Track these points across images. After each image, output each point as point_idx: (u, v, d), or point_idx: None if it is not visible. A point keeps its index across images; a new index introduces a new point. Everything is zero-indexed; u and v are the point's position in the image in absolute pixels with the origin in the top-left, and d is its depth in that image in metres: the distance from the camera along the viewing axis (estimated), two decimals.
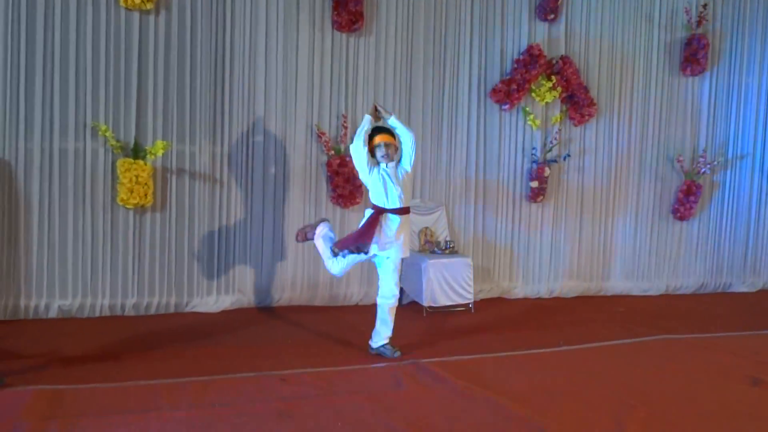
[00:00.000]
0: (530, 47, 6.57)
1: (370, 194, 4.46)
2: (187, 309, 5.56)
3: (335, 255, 4.47)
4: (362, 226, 4.39)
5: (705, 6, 7.23)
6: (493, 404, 3.39)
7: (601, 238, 7.16)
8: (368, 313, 5.80)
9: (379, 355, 4.41)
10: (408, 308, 6.04)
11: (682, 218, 7.40)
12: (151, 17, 5.29)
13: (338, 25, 5.83)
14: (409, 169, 4.44)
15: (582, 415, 3.28)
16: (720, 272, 7.72)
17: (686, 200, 7.35)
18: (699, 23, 7.23)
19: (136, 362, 4.09)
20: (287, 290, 5.88)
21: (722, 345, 4.90)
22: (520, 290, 6.78)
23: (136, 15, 5.24)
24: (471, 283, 5.94)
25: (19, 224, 5.09)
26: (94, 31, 5.16)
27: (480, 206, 6.60)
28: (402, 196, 4.35)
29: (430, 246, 6.16)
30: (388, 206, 4.35)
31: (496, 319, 5.77)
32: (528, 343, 4.81)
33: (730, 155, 7.68)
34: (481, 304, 6.21)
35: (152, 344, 4.54)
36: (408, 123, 6.17)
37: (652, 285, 7.34)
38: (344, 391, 3.56)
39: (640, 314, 6.22)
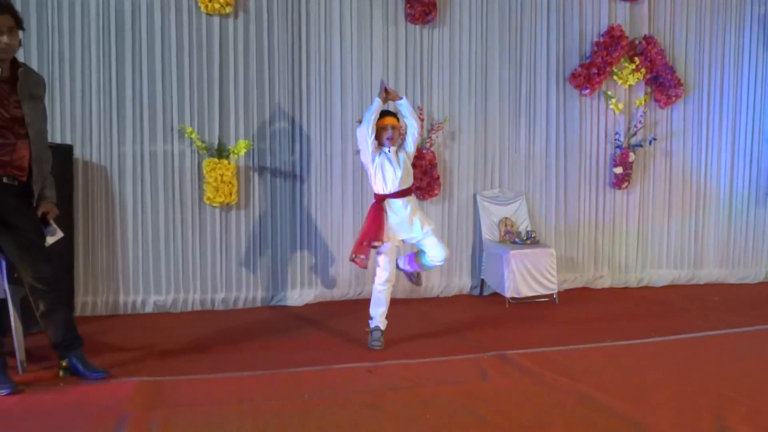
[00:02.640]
0: (611, 28, 6.33)
1: (371, 182, 4.42)
2: (273, 303, 5.72)
3: (364, 266, 4.41)
4: (366, 222, 4.38)
5: None
6: (583, 396, 3.30)
7: (692, 224, 6.83)
8: (450, 304, 5.83)
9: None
10: (490, 299, 6.00)
11: None
12: (231, 20, 5.45)
13: (412, 18, 5.82)
14: (412, 151, 4.45)
15: (679, 408, 3.14)
16: None
17: None
18: None
19: (228, 355, 4.24)
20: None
21: None
22: (606, 280, 6.57)
23: (216, 19, 5.42)
24: (554, 273, 5.80)
25: (116, 225, 5.38)
26: (178, 37, 5.37)
27: (561, 194, 6.43)
28: (403, 177, 4.32)
29: (510, 236, 6.06)
30: (388, 191, 4.32)
31: (583, 310, 5.61)
32: (617, 334, 4.64)
33: None
34: (566, 295, 6.07)
35: (241, 337, 4.69)
36: (485, 112, 6.15)
37: (750, 272, 6.95)
38: (431, 383, 3.55)
39: (736, 303, 5.89)
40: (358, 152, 4.57)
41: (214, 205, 5.44)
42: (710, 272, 6.86)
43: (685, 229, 6.80)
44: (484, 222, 6.14)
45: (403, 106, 4.43)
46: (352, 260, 4.38)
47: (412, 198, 4.44)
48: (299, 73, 5.67)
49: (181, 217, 5.49)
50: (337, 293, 5.90)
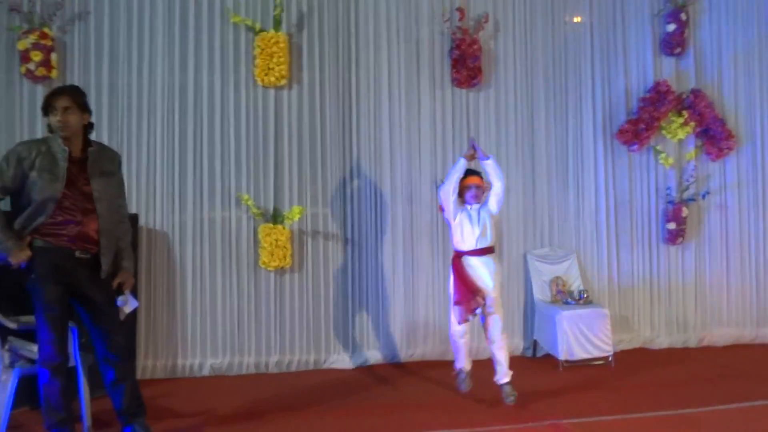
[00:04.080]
0: (657, 84, 6.34)
1: (452, 238, 4.57)
2: (325, 366, 5.77)
3: (464, 321, 4.48)
4: (454, 280, 4.48)
5: None
6: None
7: (753, 279, 6.62)
8: None
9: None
10: (543, 361, 5.91)
11: None
12: (285, 92, 5.71)
13: (458, 82, 5.97)
14: (495, 211, 4.52)
15: None
16: None
17: None
18: None
19: (285, 421, 4.31)
20: (419, 345, 5.94)
21: None
22: (663, 339, 6.39)
23: (272, 92, 5.68)
24: (609, 334, 5.68)
25: (176, 289, 5.58)
26: (236, 109, 5.65)
27: (614, 252, 6.36)
28: (481, 236, 4.41)
29: (562, 296, 6.00)
30: (465, 248, 4.44)
31: (640, 373, 5.47)
32: (677, 400, 4.51)
33: None
34: (622, 356, 5.91)
35: (295, 402, 4.75)
36: (532, 170, 6.19)
37: None
38: None
39: None
40: (441, 210, 4.72)
41: (269, 269, 5.59)
42: None
43: (745, 285, 6.59)
44: (535, 281, 6.11)
45: (489, 166, 4.56)
46: (465, 320, 4.48)
47: (491, 258, 4.54)
48: (350, 139, 5.86)
49: (237, 281, 5.65)
50: (388, 355, 5.91)
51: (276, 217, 5.63)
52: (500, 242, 6.09)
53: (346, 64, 5.86)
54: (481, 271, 4.46)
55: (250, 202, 5.57)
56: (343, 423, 4.21)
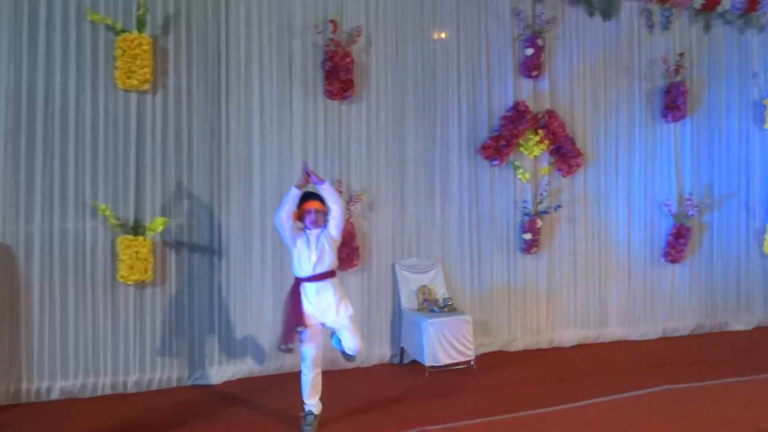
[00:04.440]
0: (517, 104, 6.77)
1: (292, 264, 4.47)
2: (190, 382, 5.54)
3: (289, 350, 4.38)
4: (286, 305, 4.44)
5: (681, 55, 7.53)
6: None
7: (596, 285, 7.26)
8: (371, 375, 5.85)
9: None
10: (410, 368, 6.08)
11: (674, 261, 7.53)
12: (148, 97, 5.42)
13: (330, 94, 5.99)
14: (336, 236, 4.44)
15: None
16: (715, 312, 7.84)
17: (676, 243, 7.49)
18: (677, 71, 7.50)
19: None
20: (289, 357, 5.84)
21: (724, 393, 4.95)
22: (519, 342, 6.82)
23: (133, 96, 5.36)
24: (471, 339, 5.98)
25: (20, 307, 5.10)
26: (93, 113, 5.27)
27: (476, 261, 6.69)
28: (318, 261, 4.33)
29: (428, 304, 6.21)
30: (302, 274, 4.36)
31: (499, 375, 5.80)
32: (533, 401, 4.83)
33: (716, 196, 7.87)
34: (483, 359, 6.24)
35: (158, 423, 4.52)
36: (401, 183, 6.36)
37: (649, 329, 7.43)
38: None
39: (640, 361, 6.28)
40: (281, 237, 4.59)
41: (128, 283, 5.27)
42: (614, 331, 7.27)
43: (590, 291, 7.21)
44: (402, 290, 6.27)
45: (325, 191, 4.44)
46: (281, 349, 4.36)
47: (330, 282, 4.42)
48: (218, 148, 5.68)
49: (92, 296, 5.27)
50: (257, 368, 5.80)
51: (137, 229, 5.32)
52: (369, 252, 6.21)
53: (215, 71, 5.66)
54: (319, 298, 4.36)
55: (107, 213, 5.22)
56: None
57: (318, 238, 4.40)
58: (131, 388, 5.34)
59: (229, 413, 4.77)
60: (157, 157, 5.46)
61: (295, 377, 5.34)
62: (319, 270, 4.36)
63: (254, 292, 5.79)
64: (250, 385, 5.52)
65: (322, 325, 4.44)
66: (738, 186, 8.02)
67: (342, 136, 6.13)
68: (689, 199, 7.56)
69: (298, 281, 4.40)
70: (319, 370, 4.45)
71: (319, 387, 4.45)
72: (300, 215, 4.46)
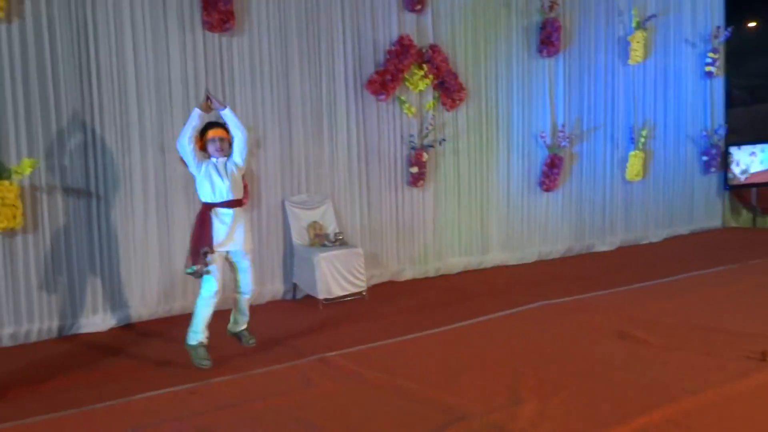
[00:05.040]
0: (401, 38, 6.80)
1: (198, 191, 4.40)
2: (72, 331, 5.30)
3: (200, 275, 4.28)
4: (194, 229, 4.35)
5: None
6: (401, 389, 3.60)
7: (479, 214, 7.64)
8: (266, 312, 5.87)
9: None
10: (304, 302, 6.17)
11: (548, 189, 8.05)
12: (3, 26, 4.90)
13: (209, 26, 5.71)
14: (241, 163, 4.41)
15: (481, 387, 3.58)
16: (583, 235, 8.51)
17: (550, 172, 7.99)
18: (551, 8, 7.83)
19: (29, 397, 3.89)
20: (178, 299, 5.76)
21: (591, 305, 5.45)
22: (408, 272, 7.09)
23: None
24: (363, 271, 6.14)
25: None
26: None
27: (365, 195, 6.80)
28: (231, 188, 4.32)
29: (319, 239, 6.27)
30: (216, 200, 4.33)
31: (390, 303, 6.02)
32: (422, 324, 5.07)
33: (584, 128, 8.43)
34: (374, 290, 6.45)
35: (41, 375, 4.30)
36: (288, 120, 6.27)
37: (526, 253, 7.95)
38: (258, 397, 3.61)
39: (519, 283, 6.74)
40: (184, 163, 4.46)
41: None
42: (496, 256, 7.73)
43: (473, 220, 7.58)
44: (293, 227, 6.28)
45: (227, 116, 4.36)
46: (189, 272, 4.26)
47: (241, 211, 4.44)
48: (89, 83, 5.28)
49: None
50: (144, 313, 5.63)
51: (0, 172, 4.90)
52: (258, 190, 6.13)
53: None
54: (233, 223, 4.33)
55: None
56: (103, 388, 3.94)
57: (226, 165, 4.36)
58: (6, 342, 5.02)
59: (118, 359, 4.63)
60: (18, 93, 5.00)
61: (185, 319, 5.28)
62: (233, 196, 4.34)
63: (137, 235, 5.56)
64: (138, 331, 5.37)
65: (228, 253, 4.40)
66: (604, 118, 8.62)
67: (224, 71, 5.91)
68: (562, 131, 8.05)
69: (209, 206, 4.31)
70: (218, 299, 4.37)
71: (211, 316, 4.39)
72: (203, 145, 4.37)
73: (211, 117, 4.50)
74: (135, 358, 4.64)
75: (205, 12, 5.68)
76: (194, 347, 4.35)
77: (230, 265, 4.54)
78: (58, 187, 5.21)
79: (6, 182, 4.86)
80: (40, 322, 5.17)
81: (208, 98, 4.37)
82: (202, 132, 4.39)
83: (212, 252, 4.26)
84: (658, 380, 3.53)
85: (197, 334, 4.35)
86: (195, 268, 4.25)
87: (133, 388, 3.86)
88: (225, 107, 4.38)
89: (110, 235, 5.45)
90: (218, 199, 4.33)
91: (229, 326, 4.75)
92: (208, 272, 4.27)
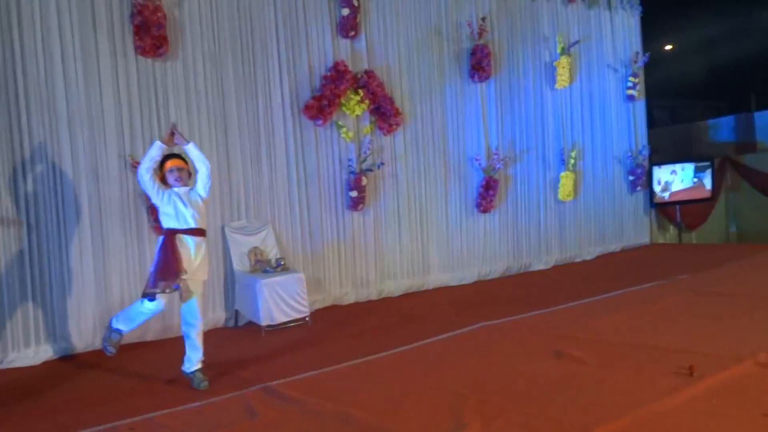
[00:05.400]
0: (336, 63, 6.89)
1: (161, 218, 4.39)
2: (3, 366, 5.07)
3: (151, 298, 4.26)
4: (159, 257, 4.28)
5: (483, 19, 8.13)
6: (346, 417, 3.60)
7: (419, 237, 7.75)
8: (207, 340, 5.71)
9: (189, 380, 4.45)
10: (246, 329, 6.10)
11: (485, 210, 8.26)
12: None
13: (142, 50, 5.65)
14: (205, 195, 4.47)
15: (425, 413, 3.62)
16: (521, 255, 8.76)
17: (486, 194, 8.21)
18: (480, 34, 8.09)
19: None
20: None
21: (528, 325, 5.60)
22: (351, 295, 7.11)
23: None
24: (305, 296, 6.12)
25: None
26: None
27: (306, 220, 6.81)
28: (196, 216, 4.36)
29: (261, 265, 6.23)
30: (180, 227, 4.34)
31: (334, 329, 6.02)
32: (366, 349, 5.09)
33: (517, 150, 8.71)
34: (317, 315, 6.44)
35: None
36: (226, 145, 6.23)
37: (466, 274, 8.11)
38: (200, 429, 3.54)
39: (459, 303, 6.86)
40: (147, 196, 4.49)
41: None
42: (436, 277, 7.85)
43: (413, 242, 7.69)
44: (234, 253, 6.21)
45: (191, 151, 4.44)
46: (157, 292, 4.21)
47: (203, 240, 4.43)
48: (17, 109, 5.13)
49: None
50: (80, 344, 5.45)
51: None
52: None
53: (5, 22, 5.06)
54: (194, 252, 4.35)
55: None
56: (36, 425, 3.78)
57: (189, 195, 4.38)
58: None
59: (53, 393, 4.45)
60: None
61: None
62: (198, 225, 4.36)
63: (72, 264, 5.39)
64: (75, 362, 5.19)
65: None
66: (535, 141, 8.94)
67: (159, 96, 5.84)
68: (496, 154, 8.29)
69: (173, 232, 4.28)
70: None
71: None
72: (162, 176, 4.38)
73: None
74: (73, 392, 4.47)
75: (137, 37, 5.61)
76: (109, 334, 4.40)
77: (180, 294, 4.45)
78: None
79: None
80: None
81: (172, 133, 4.40)
82: (161, 164, 4.40)
83: (185, 272, 4.25)
84: (594, 400, 3.67)
85: (121, 324, 4.38)
86: (157, 289, 4.21)
87: (70, 425, 3.72)
88: (189, 142, 4.46)
89: (42, 264, 5.27)
90: (182, 226, 4.33)
91: (183, 366, 4.55)
92: (174, 290, 4.25)
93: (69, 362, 5.24)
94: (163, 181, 4.40)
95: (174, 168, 4.40)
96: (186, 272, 4.28)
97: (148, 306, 4.29)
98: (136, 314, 4.37)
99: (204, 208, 4.47)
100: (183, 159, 4.48)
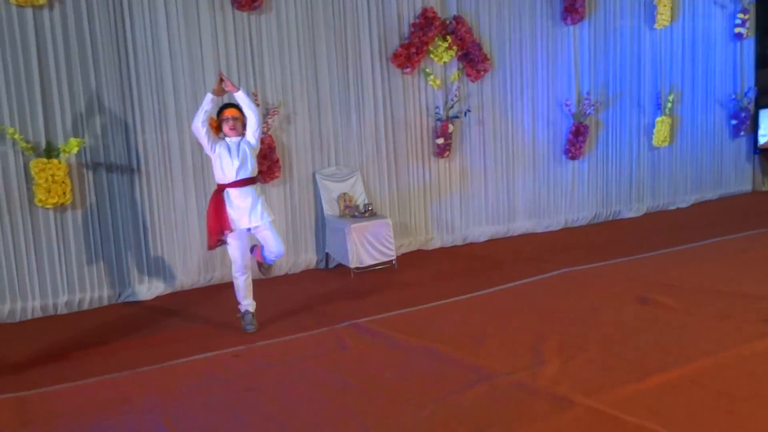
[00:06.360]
0: (425, 10, 6.89)
1: (213, 171, 4.57)
2: (121, 300, 5.66)
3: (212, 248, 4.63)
4: (209, 209, 4.56)
5: None
6: (430, 352, 3.83)
7: (505, 184, 7.76)
8: (300, 281, 6.16)
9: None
10: (336, 271, 6.42)
11: (573, 157, 8.12)
12: (45, 12, 5.15)
13: (238, 5, 5.89)
14: (254, 143, 4.55)
15: (506, 350, 3.79)
16: (610, 202, 8.58)
17: (576, 140, 8.05)
18: None
19: (88, 359, 4.23)
20: (218, 269, 6.06)
21: (614, 271, 5.60)
22: (436, 241, 7.29)
23: (29, 11, 5.09)
24: (392, 240, 6.35)
25: None
26: None
27: (393, 167, 6.98)
28: (240, 168, 4.44)
29: (350, 210, 6.49)
30: (225, 181, 4.46)
31: (419, 272, 6.24)
32: (450, 291, 5.28)
33: (610, 95, 8.44)
34: (403, 259, 6.67)
35: (97, 339, 4.66)
36: (317, 95, 6.45)
37: (552, 221, 8.07)
38: (296, 359, 3.88)
39: (544, 250, 6.89)
40: (201, 146, 4.67)
41: (47, 206, 5.22)
42: (522, 224, 7.87)
43: (499, 189, 7.71)
44: (324, 198, 6.51)
45: (240, 98, 4.52)
46: (213, 247, 4.58)
47: (252, 188, 4.54)
48: (126, 64, 5.53)
49: (10, 222, 5.19)
50: (187, 282, 5.96)
51: (50, 151, 5.20)
52: (289, 163, 6.36)
53: None
54: (241, 203, 4.48)
55: (16, 136, 5.06)
56: (154, 351, 4.26)
57: (238, 145, 4.51)
58: (62, 310, 5.40)
59: (164, 325, 4.96)
60: (62, 76, 5.28)
61: (225, 287, 5.59)
62: (242, 176, 4.48)
63: (178, 207, 5.85)
64: (181, 298, 5.69)
65: (248, 230, 4.60)
66: (630, 84, 8.61)
67: (254, 48, 6.09)
68: (587, 99, 8.08)
69: (221, 187, 4.52)
70: (249, 273, 4.67)
71: (251, 288, 4.70)
72: (218, 124, 4.55)
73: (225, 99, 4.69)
74: (183, 323, 4.96)
75: None
76: (241, 315, 4.70)
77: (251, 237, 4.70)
78: (102, 164, 5.51)
79: (55, 161, 5.16)
80: (91, 292, 5.53)
81: (221, 80, 4.49)
82: (218, 112, 4.57)
83: (231, 230, 4.48)
84: (676, 342, 3.70)
85: (240, 304, 4.69)
86: (217, 243, 4.56)
87: (181, 351, 4.17)
88: (238, 89, 4.52)
89: (152, 208, 5.75)
90: (228, 180, 4.47)
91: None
92: (221, 243, 4.56)
93: (177, 297, 5.76)
94: (218, 128, 4.53)
95: (230, 117, 4.50)
96: (233, 229, 4.47)
97: (232, 272, 4.62)
98: (236, 287, 4.66)
99: (253, 156, 4.55)
100: (238, 109, 4.55)
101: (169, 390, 3.51)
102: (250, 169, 4.54)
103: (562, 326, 4.15)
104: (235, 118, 4.52)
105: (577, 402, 2.97)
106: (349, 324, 4.53)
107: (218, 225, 4.49)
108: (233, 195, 4.49)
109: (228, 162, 4.46)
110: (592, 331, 4.04)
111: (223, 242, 4.59)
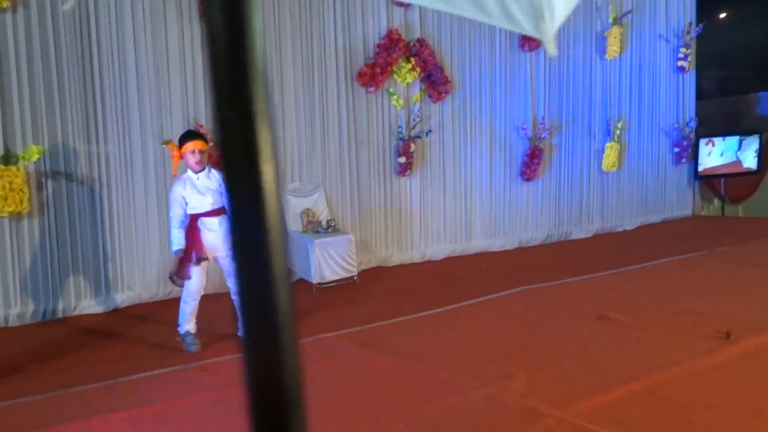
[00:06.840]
0: (390, 32, 7.05)
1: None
2: (76, 312, 5.51)
3: (181, 281, 4.37)
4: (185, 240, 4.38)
5: None
6: (398, 367, 3.89)
7: (462, 203, 7.94)
8: None
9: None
10: (298, 285, 6.41)
11: (528, 179, 8.39)
12: (8, 16, 5.05)
13: None
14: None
15: (472, 364, 3.88)
16: (562, 223, 8.88)
17: (531, 163, 8.33)
18: None
19: (46, 372, 4.10)
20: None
21: (569, 289, 5.79)
22: (396, 257, 7.38)
23: None
24: (354, 256, 6.41)
25: None
26: None
27: (355, 184, 7.06)
28: (212, 201, 4.35)
29: (312, 226, 6.53)
30: (199, 212, 4.35)
31: (380, 287, 6.31)
32: (411, 307, 5.35)
33: (563, 120, 8.77)
34: (364, 275, 6.73)
35: (54, 352, 4.52)
36: (282, 109, 6.49)
37: (507, 240, 8.29)
38: None
39: (500, 269, 7.07)
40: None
41: (3, 215, 5.06)
42: (478, 243, 8.06)
43: (457, 208, 7.89)
44: (287, 214, 6.52)
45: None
46: (173, 280, 4.37)
47: (223, 217, 4.38)
48: (91, 72, 5.46)
49: None
50: (145, 295, 5.85)
51: (8, 158, 5.06)
52: None
53: None
54: (217, 228, 4.38)
55: None
56: (115, 364, 4.17)
57: (207, 177, 4.37)
58: (13, 322, 5.22)
59: (122, 339, 4.85)
60: (23, 82, 5.17)
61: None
62: (216, 206, 4.38)
63: (139, 219, 5.77)
64: (139, 312, 5.58)
65: (215, 259, 4.52)
66: (582, 111, 8.98)
67: None
68: (542, 123, 8.37)
69: (195, 217, 4.38)
70: (199, 299, 4.49)
71: (196, 312, 4.53)
72: (182, 155, 4.37)
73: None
74: (142, 336, 4.86)
75: (203, 5, 5.83)
76: (180, 337, 4.51)
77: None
78: (62, 172, 5.39)
79: (14, 168, 5.03)
80: (45, 303, 5.37)
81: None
82: (181, 143, 4.38)
83: (206, 258, 4.37)
84: (633, 356, 3.88)
85: (180, 326, 4.50)
86: (181, 279, 4.36)
87: (143, 365, 4.09)
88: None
89: (112, 219, 5.65)
90: (202, 210, 4.37)
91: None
92: (189, 277, 4.36)
93: (135, 310, 5.64)
94: (181, 158, 4.39)
95: (196, 150, 4.30)
96: (207, 258, 4.38)
97: (185, 294, 4.42)
98: (183, 312, 4.46)
99: (221, 187, 4.45)
100: (203, 140, 4.40)
101: (137, 402, 3.44)
102: (221, 200, 4.45)
103: (525, 341, 4.28)
104: (201, 152, 4.32)
105: (547, 413, 3.08)
106: (316, 338, 4.54)
107: (191, 251, 4.33)
108: (210, 223, 4.38)
109: (199, 198, 4.34)
110: (553, 345, 4.18)
111: (183, 281, 4.37)
